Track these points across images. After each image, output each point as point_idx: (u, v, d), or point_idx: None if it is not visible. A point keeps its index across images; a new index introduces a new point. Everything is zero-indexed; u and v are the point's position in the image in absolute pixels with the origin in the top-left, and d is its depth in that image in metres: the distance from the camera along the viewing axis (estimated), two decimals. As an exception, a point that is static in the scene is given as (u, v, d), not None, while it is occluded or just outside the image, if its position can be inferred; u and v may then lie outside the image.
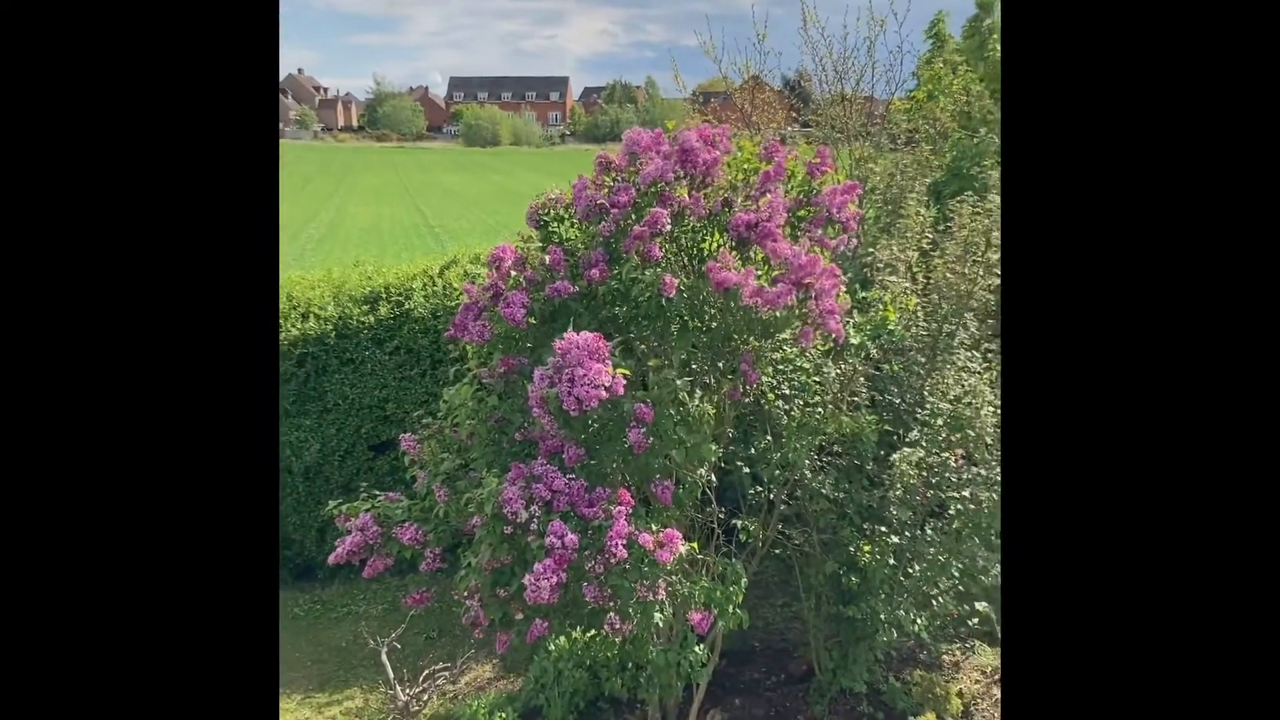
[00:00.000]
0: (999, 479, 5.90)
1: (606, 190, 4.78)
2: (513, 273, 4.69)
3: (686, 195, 4.64)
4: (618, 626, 3.75)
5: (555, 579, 3.60)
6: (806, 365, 5.72)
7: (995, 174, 7.48)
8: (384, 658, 6.36)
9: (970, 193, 7.13)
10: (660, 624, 3.88)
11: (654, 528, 3.87)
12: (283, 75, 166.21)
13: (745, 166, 5.04)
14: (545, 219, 5.11)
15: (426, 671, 6.48)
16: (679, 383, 4.27)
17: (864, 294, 6.31)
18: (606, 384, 3.72)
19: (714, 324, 4.67)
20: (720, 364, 4.94)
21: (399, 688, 6.24)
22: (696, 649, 4.29)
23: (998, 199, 6.71)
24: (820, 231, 4.91)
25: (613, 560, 3.68)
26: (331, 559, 4.41)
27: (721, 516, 5.28)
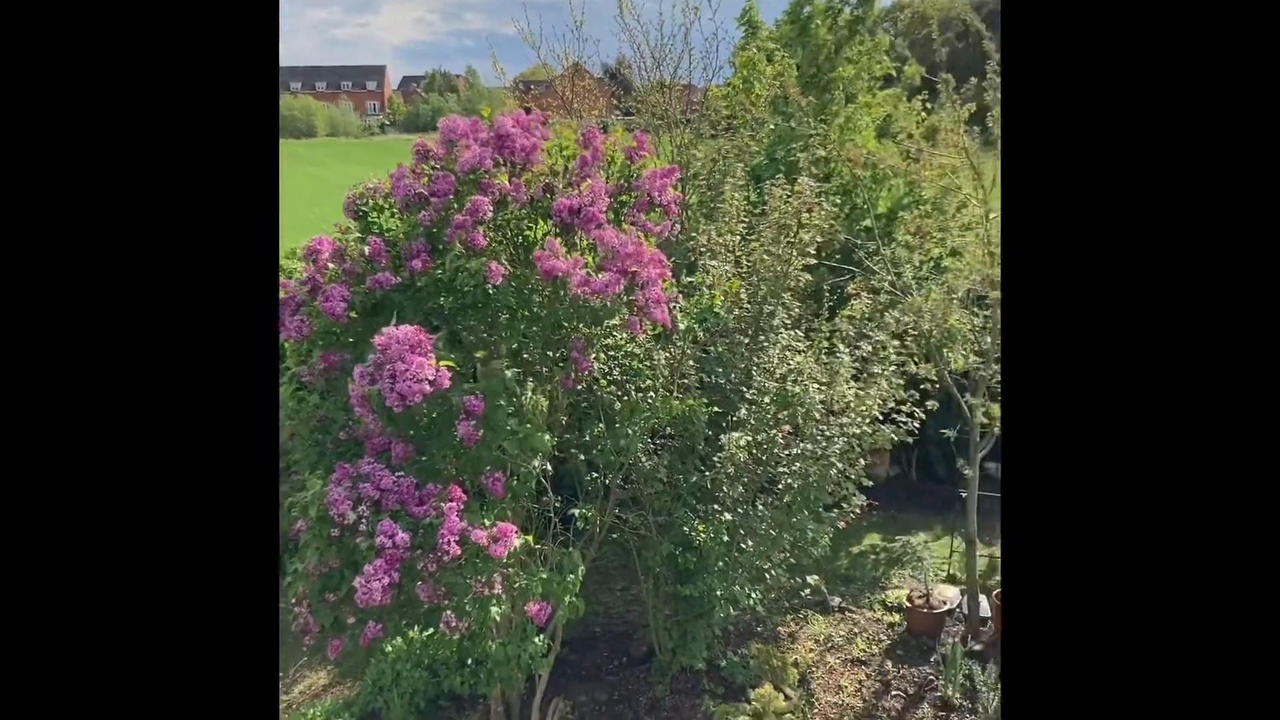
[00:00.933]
0: (825, 452, 6.11)
1: (426, 179, 4.67)
2: (330, 265, 4.52)
3: (507, 182, 4.58)
4: (454, 624, 3.67)
5: (387, 579, 3.50)
6: (637, 351, 5.76)
7: (803, 156, 7.71)
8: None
9: (781, 175, 7.33)
10: (498, 618, 3.82)
11: (487, 522, 3.81)
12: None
13: (565, 153, 5.02)
14: (364, 209, 4.95)
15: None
16: (509, 373, 4.21)
17: (689, 278, 6.40)
18: (430, 378, 3.63)
19: (543, 312, 4.63)
20: (551, 352, 4.91)
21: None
22: (536, 640, 4.26)
23: (808, 181, 6.92)
24: (644, 216, 4.94)
25: (446, 558, 3.60)
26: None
27: (558, 505, 5.25)
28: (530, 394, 4.24)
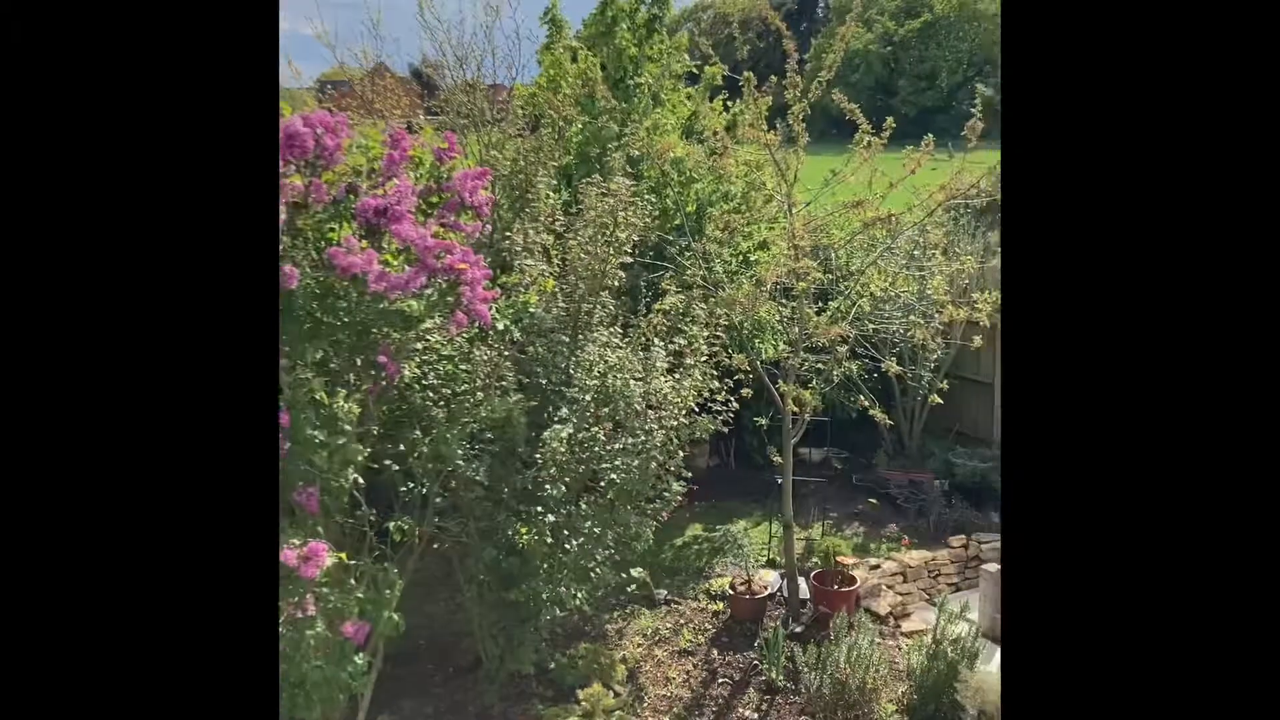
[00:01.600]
0: (645, 446, 6.14)
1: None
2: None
3: (300, 183, 4.36)
4: (265, 650, 3.47)
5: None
6: (452, 354, 5.62)
7: (618, 156, 7.73)
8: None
9: (597, 174, 7.34)
10: (313, 641, 3.64)
11: (296, 541, 3.62)
12: None
13: (371, 154, 4.84)
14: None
15: None
16: (315, 383, 4.02)
17: (504, 278, 6.31)
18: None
19: (348, 318, 4.45)
20: (359, 360, 4.72)
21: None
22: (356, 660, 4.09)
23: (623, 180, 6.95)
24: (455, 218, 4.83)
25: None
26: None
27: (373, 518, 5.06)
28: (341, 401, 4.06)
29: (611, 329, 6.65)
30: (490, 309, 4.77)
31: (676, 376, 6.55)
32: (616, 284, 6.83)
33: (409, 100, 10.93)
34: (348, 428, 4.06)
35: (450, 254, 4.35)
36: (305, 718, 5.41)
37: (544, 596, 5.87)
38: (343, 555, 3.84)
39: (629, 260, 6.89)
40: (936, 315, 7.53)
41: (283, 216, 4.16)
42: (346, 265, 4.06)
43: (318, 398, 4.00)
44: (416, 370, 5.44)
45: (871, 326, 7.51)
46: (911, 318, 7.62)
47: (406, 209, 4.38)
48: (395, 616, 4.07)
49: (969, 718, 5.47)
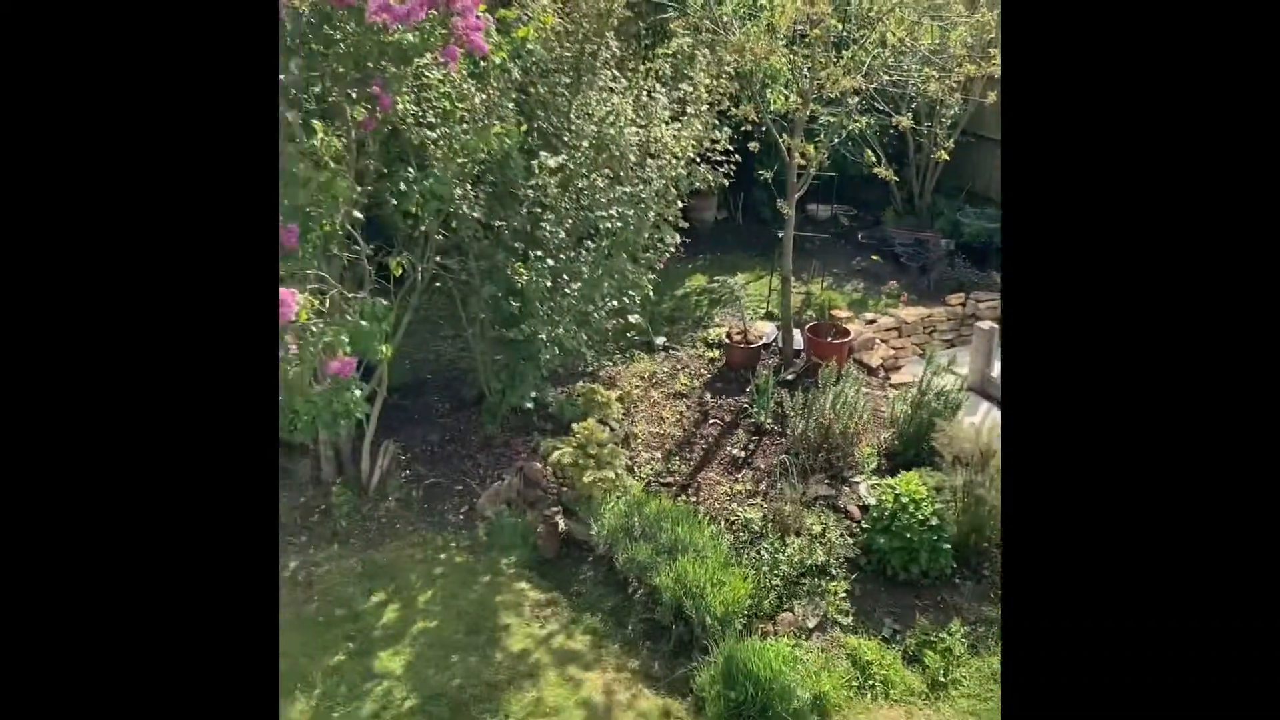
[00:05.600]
0: (641, 196, 6.15)
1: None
2: None
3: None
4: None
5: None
6: (449, 91, 5.53)
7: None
8: None
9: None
10: (301, 374, 3.80)
11: (279, 276, 3.70)
12: None
13: None
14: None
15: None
16: (290, 115, 3.98)
17: (502, 11, 6.11)
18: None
19: (342, 50, 4.37)
20: (352, 93, 4.66)
21: None
22: (354, 390, 4.28)
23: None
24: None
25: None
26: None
27: (370, 254, 5.16)
28: (321, 135, 4.03)
29: (614, 72, 6.49)
30: (488, 42, 4.65)
31: (678, 125, 6.44)
32: (621, 24, 6.60)
33: None
34: (333, 164, 4.07)
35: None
36: (306, 438, 5.76)
37: (543, 337, 6.05)
38: (314, 300, 3.87)
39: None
40: (955, 69, 7.28)
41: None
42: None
43: (296, 133, 3.98)
44: (413, 107, 5.38)
45: (887, 79, 7.28)
46: (928, 70, 7.35)
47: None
48: (385, 348, 4.23)
49: (944, 463, 5.74)
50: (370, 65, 4.48)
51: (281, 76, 4.26)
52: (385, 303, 4.28)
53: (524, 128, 5.91)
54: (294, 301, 3.41)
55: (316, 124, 4.04)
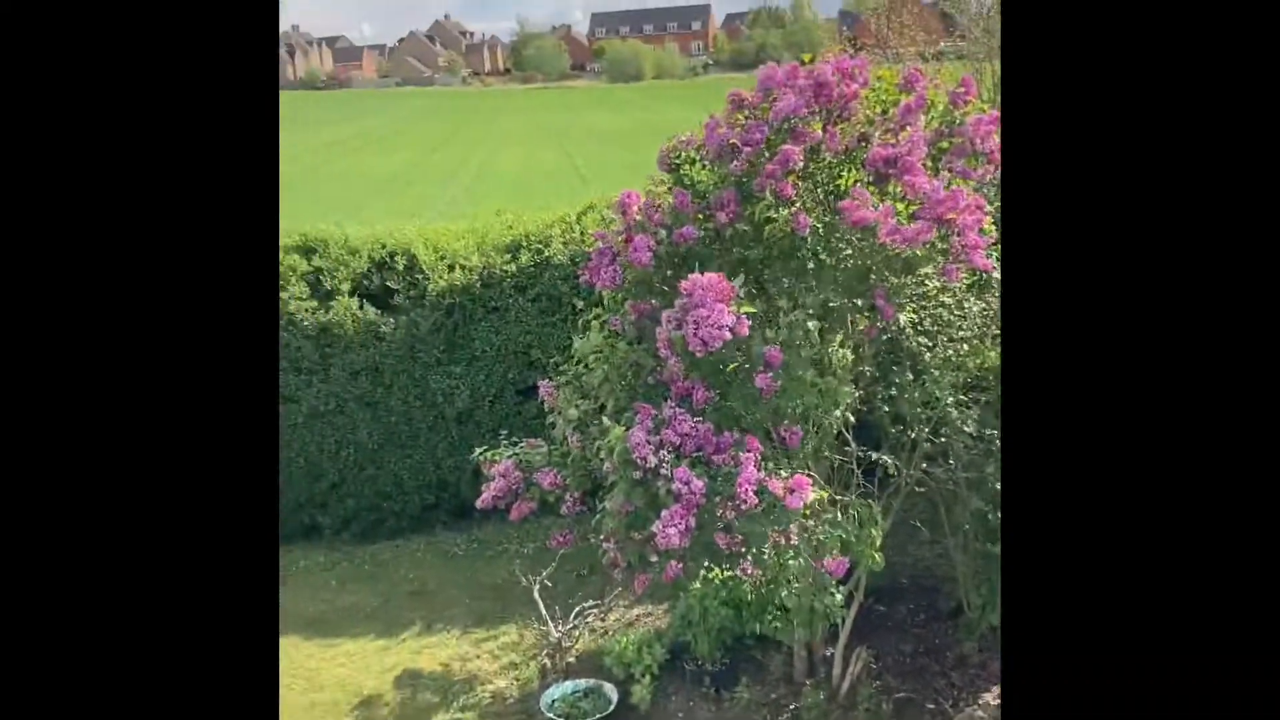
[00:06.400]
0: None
1: (739, 128, 4.71)
2: (638, 218, 4.69)
3: (821, 131, 4.52)
4: (750, 572, 3.78)
5: (684, 525, 3.65)
6: (948, 300, 5.54)
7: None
8: (536, 595, 6.60)
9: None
10: (795, 569, 3.89)
11: (784, 474, 3.86)
12: (429, 22, 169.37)
13: (884, 98, 4.87)
14: (676, 162, 5.08)
15: (577, 609, 6.68)
16: (810, 325, 4.21)
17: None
18: (730, 324, 3.72)
19: (849, 263, 4.57)
20: (858, 301, 4.84)
21: (551, 624, 6.47)
22: (835, 592, 4.28)
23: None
24: (962, 163, 4.73)
25: (743, 506, 3.70)
26: (479, 503, 4.59)
27: (860, 456, 5.20)
28: (835, 347, 4.22)
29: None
30: (992, 257, 4.62)
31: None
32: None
33: (925, 35, 10.70)
34: (841, 370, 4.21)
35: (954, 203, 4.27)
36: (785, 638, 5.80)
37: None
38: (825, 492, 4.02)
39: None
40: None
41: (799, 161, 4.35)
42: (859, 219, 4.17)
43: (813, 339, 4.18)
44: (911, 315, 5.44)
45: None
46: None
47: (917, 159, 4.38)
48: (877, 554, 4.19)
49: None
50: (874, 278, 4.63)
51: (785, 279, 4.57)
52: (879, 508, 4.27)
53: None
54: (808, 489, 3.52)
55: (836, 336, 4.24)
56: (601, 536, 4.17)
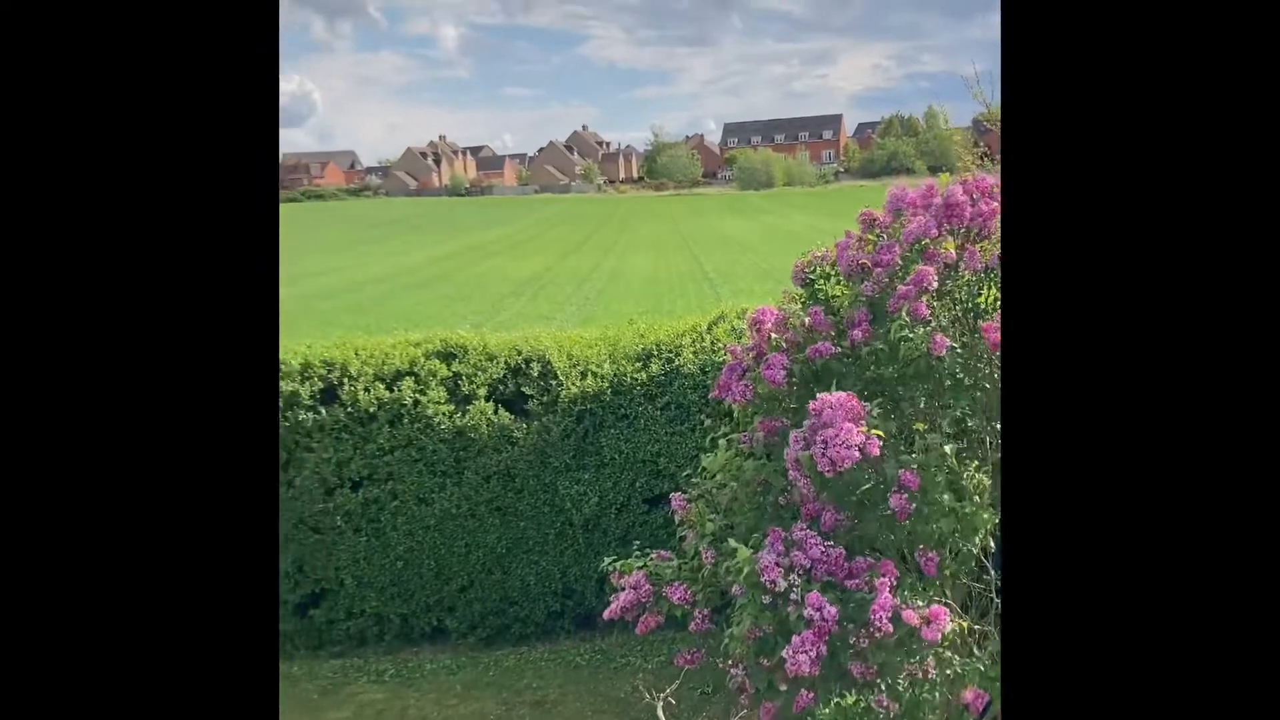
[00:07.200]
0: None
1: (870, 247, 4.71)
2: (773, 335, 4.70)
3: (954, 250, 4.48)
4: (885, 704, 3.63)
5: (815, 652, 3.54)
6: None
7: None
8: (661, 714, 6.47)
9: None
10: (931, 703, 3.72)
11: (920, 602, 3.73)
12: (567, 133, 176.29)
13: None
14: (810, 277, 5.09)
15: (701, 728, 6.53)
16: (948, 449, 4.10)
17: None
18: (860, 444, 3.65)
19: (988, 384, 4.46)
20: (996, 425, 4.70)
21: (674, 742, 6.32)
22: (973, 726, 4.07)
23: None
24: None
25: (878, 634, 3.58)
26: (607, 614, 4.56)
27: (999, 585, 4.99)
28: (972, 471, 4.10)
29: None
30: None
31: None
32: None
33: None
34: (979, 495, 4.08)
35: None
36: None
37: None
38: (965, 621, 3.86)
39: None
40: None
41: (934, 282, 4.31)
42: (998, 341, 4.09)
43: (950, 463, 4.07)
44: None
45: None
46: None
47: (1053, 276, 4.29)
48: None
49: None
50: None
51: (920, 399, 4.48)
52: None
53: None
54: (945, 620, 3.40)
55: (974, 462, 4.13)
56: (729, 661, 4.08)
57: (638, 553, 4.79)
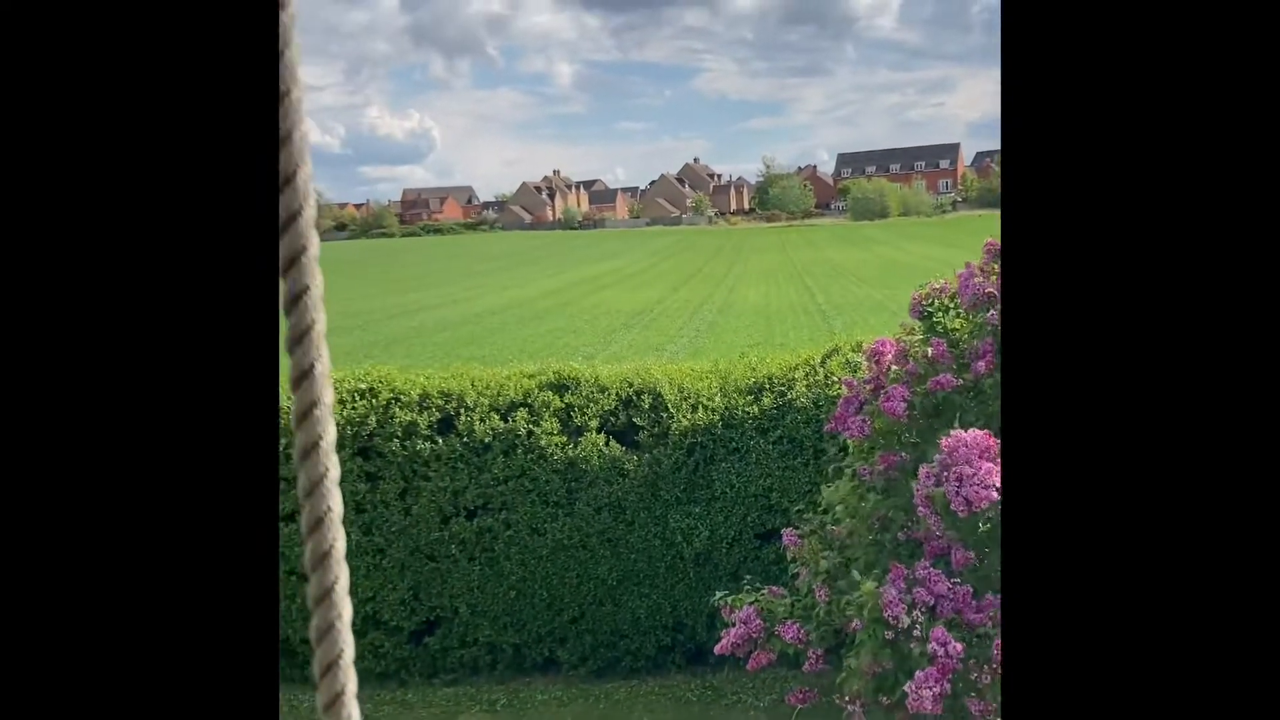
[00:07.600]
0: None
1: (995, 276, 4.59)
2: (893, 367, 4.62)
3: (1081, 278, 4.34)
4: (1009, 750, 3.49)
5: (940, 689, 3.44)
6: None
7: None
8: (772, 750, 6.37)
9: None
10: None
11: (1048, 645, 3.58)
12: (679, 165, 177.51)
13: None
14: (929, 309, 4.99)
15: (814, 768, 6.39)
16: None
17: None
18: (998, 485, 3.54)
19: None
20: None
21: (786, 782, 6.20)
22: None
23: None
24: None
25: (999, 670, 3.45)
26: (717, 649, 4.52)
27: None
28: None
29: None
30: None
31: None
32: None
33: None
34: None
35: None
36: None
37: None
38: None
39: None
40: None
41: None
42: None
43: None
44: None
45: None
46: None
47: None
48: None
49: None
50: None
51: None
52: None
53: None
54: None
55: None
56: (845, 698, 3.99)
57: (749, 588, 4.74)
